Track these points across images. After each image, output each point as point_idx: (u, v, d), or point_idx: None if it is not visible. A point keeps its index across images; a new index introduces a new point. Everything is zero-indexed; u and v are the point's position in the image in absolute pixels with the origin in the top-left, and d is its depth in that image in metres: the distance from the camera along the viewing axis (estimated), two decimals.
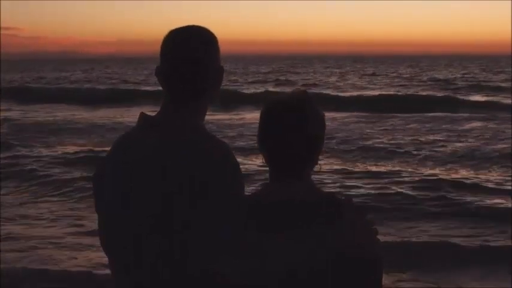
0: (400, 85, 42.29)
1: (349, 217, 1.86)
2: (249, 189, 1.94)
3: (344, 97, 31.81)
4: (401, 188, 10.97)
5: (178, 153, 1.81)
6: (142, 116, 1.96)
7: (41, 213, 9.83)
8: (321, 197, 1.91)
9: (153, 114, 1.98)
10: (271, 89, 38.28)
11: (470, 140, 17.46)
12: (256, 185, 9.23)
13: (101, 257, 6.73)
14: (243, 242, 1.82)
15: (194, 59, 1.90)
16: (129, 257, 1.87)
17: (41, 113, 26.78)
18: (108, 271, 2.04)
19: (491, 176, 12.31)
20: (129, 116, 24.26)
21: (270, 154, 1.94)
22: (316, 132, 1.93)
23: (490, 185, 11.36)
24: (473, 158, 14.46)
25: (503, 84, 39.62)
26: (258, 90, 35.83)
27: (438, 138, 17.88)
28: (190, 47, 1.91)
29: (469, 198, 10.22)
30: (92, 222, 7.99)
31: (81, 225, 8.98)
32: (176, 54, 1.91)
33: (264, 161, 1.97)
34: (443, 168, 13.30)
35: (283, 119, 1.90)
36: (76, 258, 7.50)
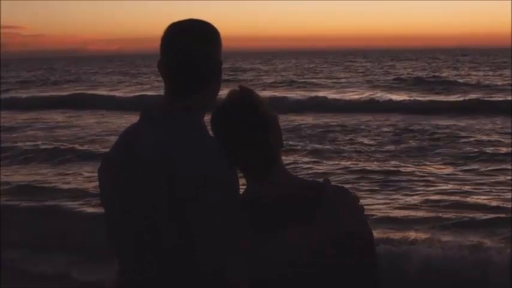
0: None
1: (333, 200, 1.90)
2: None
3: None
4: None
5: (177, 149, 1.83)
6: (144, 111, 1.98)
7: None
8: (302, 187, 1.98)
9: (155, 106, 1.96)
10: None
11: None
12: None
13: None
14: (244, 238, 1.81)
15: (191, 52, 1.91)
16: (130, 253, 1.94)
17: None
18: None
19: None
20: None
21: (238, 153, 1.95)
22: (269, 112, 2.00)
23: None
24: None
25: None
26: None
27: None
28: (187, 40, 1.91)
29: None
30: None
31: None
32: (174, 47, 1.92)
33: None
34: None
35: (235, 115, 1.96)
36: None
